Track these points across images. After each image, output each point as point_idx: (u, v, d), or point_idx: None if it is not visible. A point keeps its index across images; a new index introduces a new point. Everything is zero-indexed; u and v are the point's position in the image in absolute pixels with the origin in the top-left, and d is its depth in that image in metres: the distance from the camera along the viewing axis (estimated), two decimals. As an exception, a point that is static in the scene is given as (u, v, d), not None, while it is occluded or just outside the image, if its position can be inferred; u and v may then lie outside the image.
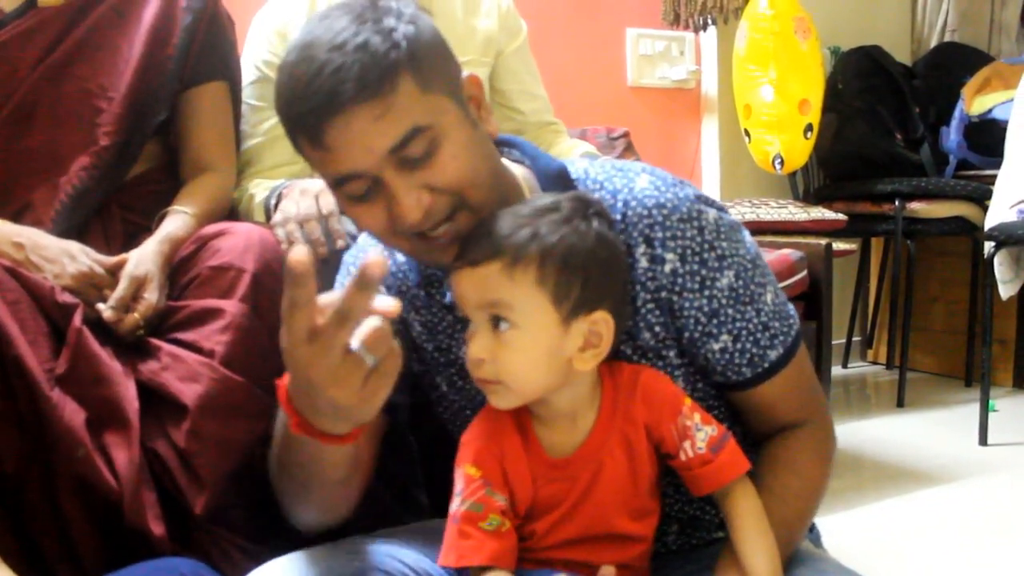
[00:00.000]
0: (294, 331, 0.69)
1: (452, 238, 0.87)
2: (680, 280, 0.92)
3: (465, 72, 0.90)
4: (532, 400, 0.89)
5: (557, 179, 0.95)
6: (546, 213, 0.86)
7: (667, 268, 0.92)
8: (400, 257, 1.02)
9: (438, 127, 0.84)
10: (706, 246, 0.92)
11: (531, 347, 0.85)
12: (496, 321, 0.85)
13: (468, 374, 1.00)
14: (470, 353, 0.86)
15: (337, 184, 0.86)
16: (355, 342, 0.70)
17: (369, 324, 0.70)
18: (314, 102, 0.81)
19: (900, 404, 2.86)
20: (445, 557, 0.87)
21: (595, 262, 0.87)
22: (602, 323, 0.87)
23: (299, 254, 0.67)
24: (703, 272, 0.92)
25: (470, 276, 0.85)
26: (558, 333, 0.86)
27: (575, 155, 1.78)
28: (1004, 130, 2.59)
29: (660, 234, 0.91)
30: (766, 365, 0.96)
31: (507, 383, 0.86)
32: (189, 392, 1.16)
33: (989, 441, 2.43)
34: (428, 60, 0.84)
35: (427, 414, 1.09)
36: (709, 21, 3.01)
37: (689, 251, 0.91)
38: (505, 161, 0.98)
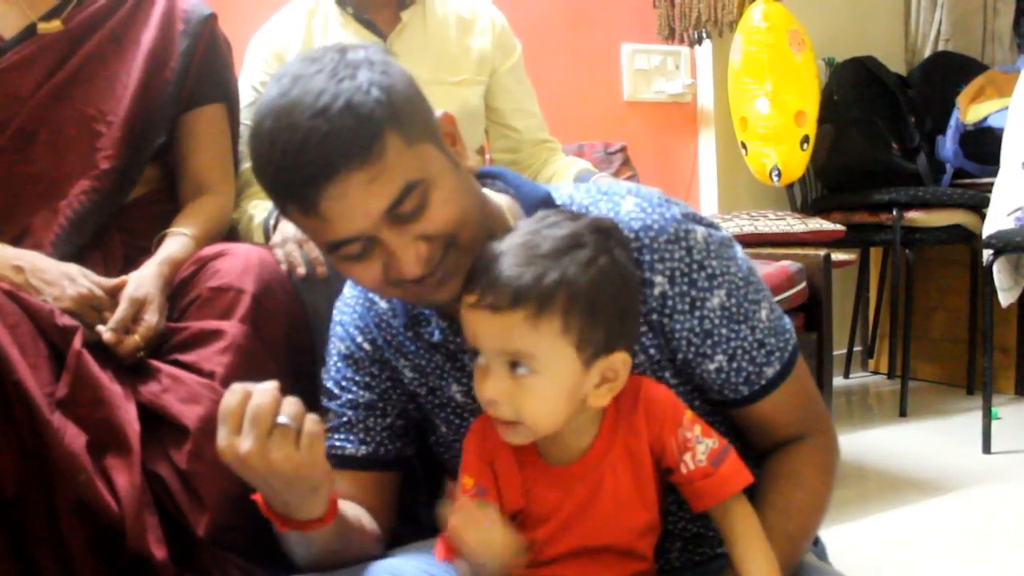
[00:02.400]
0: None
1: (443, 277, 0.86)
2: (670, 302, 0.91)
3: (438, 112, 0.90)
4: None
5: (542, 206, 0.94)
6: (569, 251, 0.83)
7: (656, 291, 0.91)
8: (383, 305, 1.02)
9: (427, 178, 0.83)
10: (695, 266, 0.91)
11: (551, 391, 0.84)
12: (514, 365, 0.83)
13: (463, 413, 1.00)
14: (484, 394, 0.84)
15: (332, 248, 0.85)
16: (280, 418, 0.80)
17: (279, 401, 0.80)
18: (306, 173, 0.79)
19: (903, 413, 2.85)
20: (436, 550, 0.90)
21: (618, 304, 0.85)
22: (620, 362, 0.86)
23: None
24: (693, 293, 0.91)
25: (489, 321, 0.82)
26: (579, 376, 0.85)
27: (571, 172, 1.78)
28: (999, 138, 2.59)
29: (648, 257, 0.90)
30: (763, 382, 0.96)
31: (526, 424, 0.84)
32: (190, 414, 1.16)
33: (993, 449, 2.42)
34: (407, 111, 0.83)
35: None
36: (704, 35, 3.02)
37: (678, 272, 0.91)
38: (489, 192, 0.97)
